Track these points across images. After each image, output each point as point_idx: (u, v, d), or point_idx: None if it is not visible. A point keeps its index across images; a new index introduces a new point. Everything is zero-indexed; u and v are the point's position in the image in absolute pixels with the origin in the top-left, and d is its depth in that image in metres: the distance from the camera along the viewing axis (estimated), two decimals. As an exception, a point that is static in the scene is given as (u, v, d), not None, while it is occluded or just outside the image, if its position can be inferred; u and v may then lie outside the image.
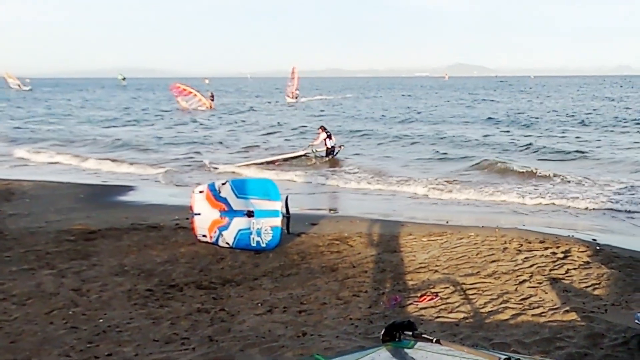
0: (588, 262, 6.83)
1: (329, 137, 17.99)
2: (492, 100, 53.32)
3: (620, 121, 29.47)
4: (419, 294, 5.93)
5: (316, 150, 18.19)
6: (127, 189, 13.41)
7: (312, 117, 35.92)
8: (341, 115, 37.43)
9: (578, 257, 7.05)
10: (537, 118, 32.41)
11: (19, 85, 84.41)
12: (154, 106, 48.99)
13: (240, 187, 8.21)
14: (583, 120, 30.28)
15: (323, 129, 18.22)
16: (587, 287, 6.00)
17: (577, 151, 18.90)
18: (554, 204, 11.43)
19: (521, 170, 14.95)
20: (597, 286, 6.01)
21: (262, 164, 17.61)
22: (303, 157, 18.22)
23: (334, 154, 18.02)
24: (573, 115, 33.60)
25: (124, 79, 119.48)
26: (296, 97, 53.82)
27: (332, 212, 11.43)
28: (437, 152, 19.68)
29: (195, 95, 45.25)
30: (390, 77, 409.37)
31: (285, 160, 18.09)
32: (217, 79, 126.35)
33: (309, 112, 41.76)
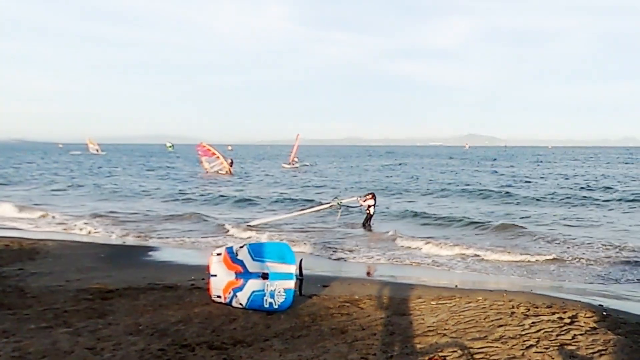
0: (595, 328, 6.66)
1: (374, 205, 17.89)
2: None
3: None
4: (427, 358, 5.79)
5: (340, 203, 18.03)
6: (147, 249, 13.46)
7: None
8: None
9: (585, 322, 6.89)
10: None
11: (97, 150, 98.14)
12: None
13: (257, 250, 8.23)
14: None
15: (373, 196, 18.15)
16: (593, 353, 5.84)
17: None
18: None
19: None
20: (603, 352, 5.84)
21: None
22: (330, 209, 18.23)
23: (370, 222, 17.81)
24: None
25: (171, 146, 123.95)
26: (293, 163, 54.42)
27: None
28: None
29: (218, 157, 45.52)
30: (406, 145, 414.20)
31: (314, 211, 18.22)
32: (239, 147, 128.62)
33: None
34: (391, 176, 44.07)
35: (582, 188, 31.77)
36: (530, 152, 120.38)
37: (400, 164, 67.05)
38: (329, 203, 18.69)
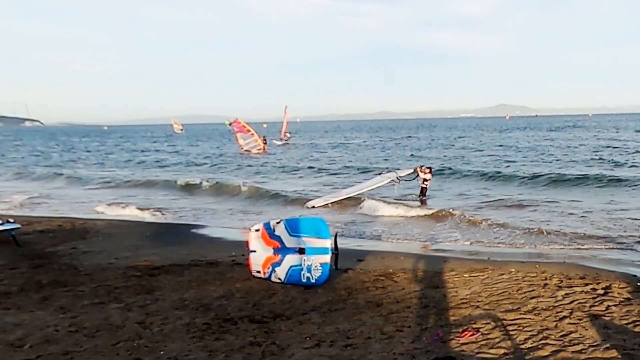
0: (629, 299, 6.52)
1: (430, 180, 17.85)
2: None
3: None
4: (460, 330, 5.77)
5: (400, 177, 17.98)
6: (190, 227, 13.71)
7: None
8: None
9: (619, 293, 6.74)
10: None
11: (181, 129, 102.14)
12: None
13: (294, 226, 8.29)
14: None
15: (430, 170, 18.06)
16: (627, 324, 5.71)
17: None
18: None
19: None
20: (638, 323, 5.70)
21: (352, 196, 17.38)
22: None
23: (425, 194, 17.72)
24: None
25: (230, 124, 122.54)
26: (285, 139, 52.21)
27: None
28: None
29: (252, 134, 44.69)
30: (436, 118, 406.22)
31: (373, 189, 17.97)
32: (272, 124, 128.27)
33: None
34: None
35: None
36: (575, 121, 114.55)
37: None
38: (388, 178, 18.30)
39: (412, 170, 18.31)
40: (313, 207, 16.52)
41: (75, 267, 8.95)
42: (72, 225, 13.05)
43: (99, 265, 9.04)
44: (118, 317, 6.39)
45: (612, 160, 27.86)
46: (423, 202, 17.19)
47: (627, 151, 33.09)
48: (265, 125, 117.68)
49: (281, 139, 52.85)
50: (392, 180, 18.01)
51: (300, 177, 26.45)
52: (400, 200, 17.06)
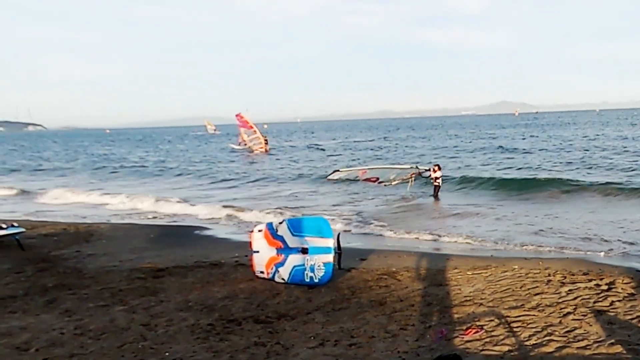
0: (633, 294, 6.53)
1: (440, 177, 18.10)
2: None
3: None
4: (464, 327, 5.80)
5: (420, 169, 18.56)
6: (193, 228, 13.74)
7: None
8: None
9: (622, 288, 6.76)
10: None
11: (214, 130, 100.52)
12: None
13: (296, 226, 8.31)
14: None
15: (439, 167, 18.31)
16: (632, 319, 5.73)
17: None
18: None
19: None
20: (642, 318, 5.73)
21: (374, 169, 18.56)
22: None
23: (437, 193, 17.97)
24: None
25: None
26: (246, 144, 46.90)
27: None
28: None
29: (255, 132, 44.24)
30: (438, 116, 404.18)
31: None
32: (273, 124, 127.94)
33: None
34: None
35: None
36: (586, 117, 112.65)
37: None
38: (409, 166, 19.13)
39: (428, 169, 18.67)
40: (332, 177, 18.28)
41: (80, 270, 9.00)
42: (76, 229, 13.11)
43: (103, 268, 9.08)
44: (123, 320, 6.42)
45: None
46: (436, 200, 17.51)
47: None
48: (266, 126, 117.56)
49: (239, 144, 48.85)
50: (412, 170, 18.68)
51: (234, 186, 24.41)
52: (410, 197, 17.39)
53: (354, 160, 34.45)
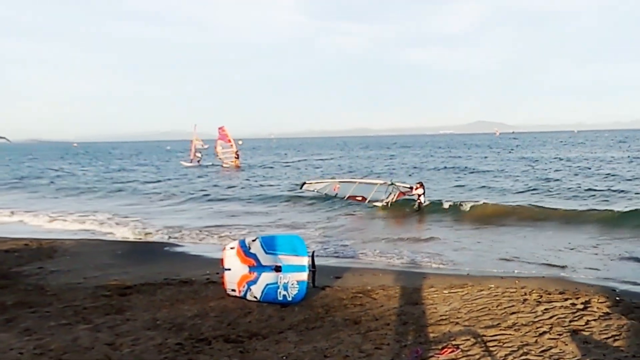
0: (608, 313, 6.55)
1: (424, 194, 18.49)
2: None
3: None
4: (440, 347, 5.71)
5: (395, 187, 18.78)
6: (163, 245, 13.47)
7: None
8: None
9: (598, 307, 6.78)
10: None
11: (202, 146, 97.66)
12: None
13: (270, 244, 8.17)
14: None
15: (421, 184, 18.75)
16: (607, 338, 5.73)
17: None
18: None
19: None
20: (617, 338, 5.74)
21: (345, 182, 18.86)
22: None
23: (421, 207, 18.31)
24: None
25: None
26: (198, 160, 48.50)
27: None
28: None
29: (232, 146, 45.13)
30: (416, 134, 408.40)
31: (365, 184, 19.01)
32: (248, 140, 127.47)
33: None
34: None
35: None
36: (560, 137, 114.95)
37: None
38: (383, 181, 19.43)
39: (408, 186, 19.07)
40: (304, 186, 18.75)
41: (42, 287, 8.67)
42: (39, 245, 12.70)
43: (67, 285, 8.76)
44: (86, 339, 6.16)
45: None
46: (420, 212, 17.98)
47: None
48: (240, 142, 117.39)
49: (191, 160, 49.24)
50: (386, 183, 18.98)
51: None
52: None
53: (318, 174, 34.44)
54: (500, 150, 64.34)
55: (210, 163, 48.59)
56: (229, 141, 44.98)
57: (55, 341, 6.07)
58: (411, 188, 18.72)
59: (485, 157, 50.82)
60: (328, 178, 20.15)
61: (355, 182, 19.10)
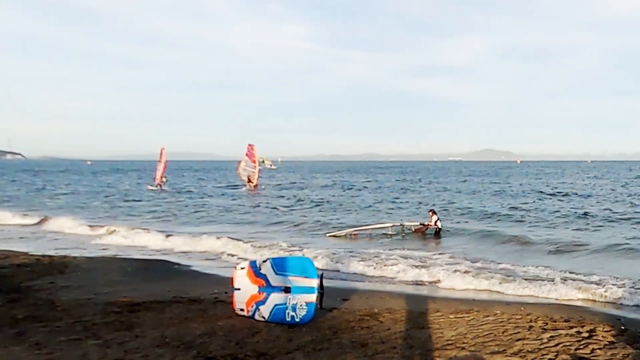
0: (613, 342, 6.56)
1: (439, 219, 19.23)
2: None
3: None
4: (446, 371, 5.75)
5: (406, 227, 19.15)
6: (172, 263, 13.56)
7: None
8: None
9: (603, 336, 6.79)
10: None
11: (270, 165, 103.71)
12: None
13: (280, 265, 8.24)
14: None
15: (433, 212, 19.51)
16: (613, 367, 5.75)
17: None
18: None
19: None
20: (623, 367, 5.75)
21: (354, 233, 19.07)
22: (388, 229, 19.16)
23: (439, 234, 18.91)
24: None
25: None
26: (161, 183, 45.65)
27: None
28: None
29: (255, 167, 45.03)
30: (423, 161, 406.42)
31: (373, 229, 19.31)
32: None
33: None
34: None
35: None
36: (577, 167, 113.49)
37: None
38: (392, 224, 19.74)
39: (418, 223, 19.55)
40: (331, 235, 19.24)
41: (53, 302, 8.77)
42: (51, 260, 12.84)
43: (77, 301, 8.86)
44: (96, 354, 6.24)
45: None
46: (438, 237, 18.57)
47: None
48: (280, 160, 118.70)
49: (157, 185, 46.04)
50: (395, 225, 19.42)
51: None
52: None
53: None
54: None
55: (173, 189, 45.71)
56: (254, 161, 44.80)
57: (64, 356, 6.15)
58: (423, 225, 19.20)
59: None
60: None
61: (369, 229, 19.44)
